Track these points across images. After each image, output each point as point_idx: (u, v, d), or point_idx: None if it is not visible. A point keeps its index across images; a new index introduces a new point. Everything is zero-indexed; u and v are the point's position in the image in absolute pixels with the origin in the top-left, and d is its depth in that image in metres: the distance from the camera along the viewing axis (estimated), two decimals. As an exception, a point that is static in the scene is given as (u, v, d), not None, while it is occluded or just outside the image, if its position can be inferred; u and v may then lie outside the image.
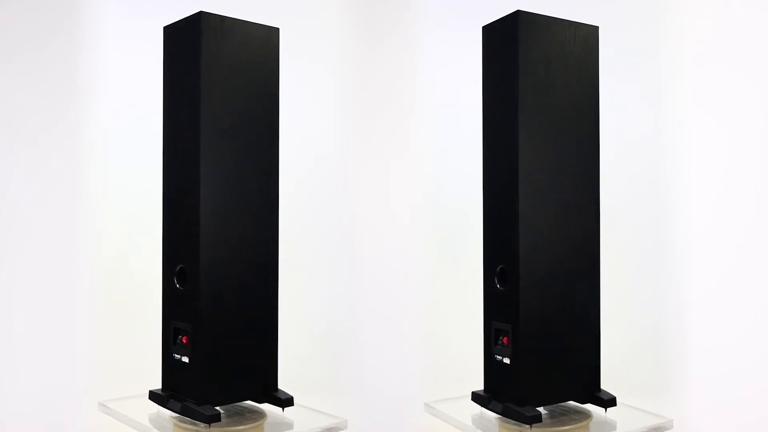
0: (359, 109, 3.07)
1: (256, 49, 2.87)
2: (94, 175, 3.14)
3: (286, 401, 2.89)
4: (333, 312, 3.20)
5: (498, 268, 2.86)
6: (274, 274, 2.91)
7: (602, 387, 2.91)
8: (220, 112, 2.79)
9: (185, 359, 2.80)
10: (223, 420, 2.79)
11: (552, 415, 2.86)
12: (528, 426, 2.74)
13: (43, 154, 2.93)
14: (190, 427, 2.76)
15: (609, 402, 2.87)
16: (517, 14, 2.77)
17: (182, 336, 2.81)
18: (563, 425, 2.79)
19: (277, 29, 2.91)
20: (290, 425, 2.85)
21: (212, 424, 2.73)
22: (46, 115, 2.93)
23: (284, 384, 2.94)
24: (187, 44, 2.80)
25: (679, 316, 2.96)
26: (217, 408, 2.79)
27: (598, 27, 2.85)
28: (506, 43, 2.81)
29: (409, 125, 3.06)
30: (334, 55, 3.20)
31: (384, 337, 2.98)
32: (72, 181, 2.97)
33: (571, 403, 2.93)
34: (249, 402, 2.94)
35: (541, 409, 2.80)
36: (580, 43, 2.86)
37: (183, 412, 2.79)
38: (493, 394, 2.89)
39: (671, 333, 3.10)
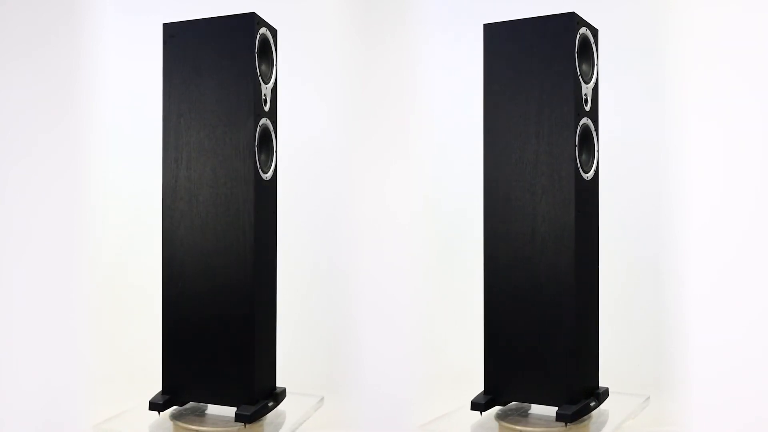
0: (358, 110, 3.08)
1: (229, 42, 2.77)
2: (95, 175, 3.16)
3: (241, 416, 2.72)
4: (332, 312, 3.20)
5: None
6: (256, 278, 2.77)
7: (601, 385, 2.88)
8: (184, 107, 2.80)
9: None
10: (221, 420, 2.79)
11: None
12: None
13: (43, 154, 2.95)
14: (185, 425, 2.77)
15: (565, 416, 2.71)
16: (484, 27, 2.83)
17: None
18: (562, 425, 2.77)
19: (252, 14, 2.76)
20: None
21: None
22: (45, 115, 2.95)
23: (284, 383, 2.93)
24: (164, 53, 2.83)
25: (680, 314, 2.94)
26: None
27: (573, 12, 2.80)
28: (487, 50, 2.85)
29: (409, 127, 3.06)
30: (333, 55, 3.21)
31: (384, 338, 2.97)
32: (72, 181, 2.98)
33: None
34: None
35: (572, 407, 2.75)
36: (555, 35, 2.79)
37: None
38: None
39: (671, 332, 3.09)
